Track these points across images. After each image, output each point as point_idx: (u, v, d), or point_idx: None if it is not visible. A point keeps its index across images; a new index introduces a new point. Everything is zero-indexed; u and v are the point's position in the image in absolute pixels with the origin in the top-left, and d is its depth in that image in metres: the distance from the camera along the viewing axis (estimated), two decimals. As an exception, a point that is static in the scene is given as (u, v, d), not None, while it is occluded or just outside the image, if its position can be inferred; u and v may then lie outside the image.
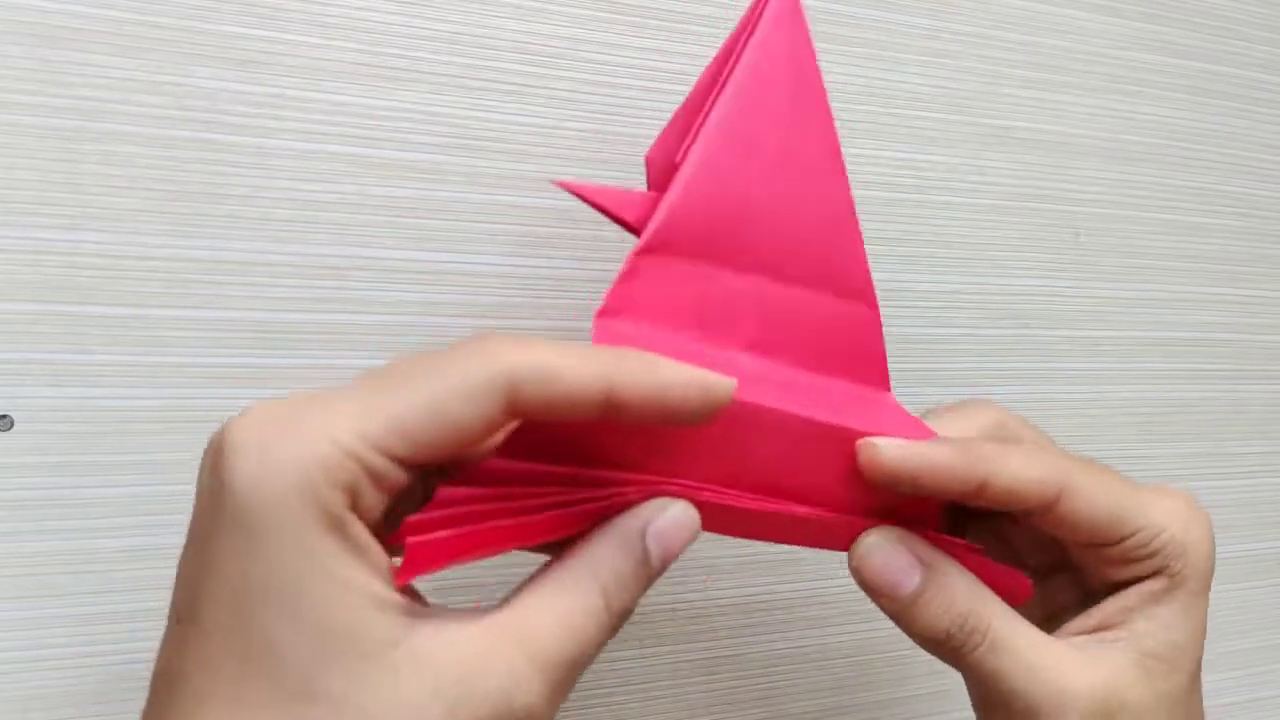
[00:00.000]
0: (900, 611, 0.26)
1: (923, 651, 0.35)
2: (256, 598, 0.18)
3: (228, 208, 0.29)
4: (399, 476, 0.19)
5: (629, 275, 0.24)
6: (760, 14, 0.27)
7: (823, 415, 0.25)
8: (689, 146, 0.26)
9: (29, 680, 0.27)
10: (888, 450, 0.25)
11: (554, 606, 0.20)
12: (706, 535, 0.35)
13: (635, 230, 0.25)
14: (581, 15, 0.33)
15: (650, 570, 0.22)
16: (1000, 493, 0.25)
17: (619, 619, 0.21)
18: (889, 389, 0.28)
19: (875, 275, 0.37)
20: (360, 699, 0.18)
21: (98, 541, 0.28)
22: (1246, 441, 0.45)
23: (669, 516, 0.22)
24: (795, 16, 0.27)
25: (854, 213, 0.28)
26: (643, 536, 0.22)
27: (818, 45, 0.37)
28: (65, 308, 0.28)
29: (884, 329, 0.29)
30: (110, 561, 0.28)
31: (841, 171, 0.27)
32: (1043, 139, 0.41)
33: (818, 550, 0.28)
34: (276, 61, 0.30)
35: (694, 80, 0.28)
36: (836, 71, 0.37)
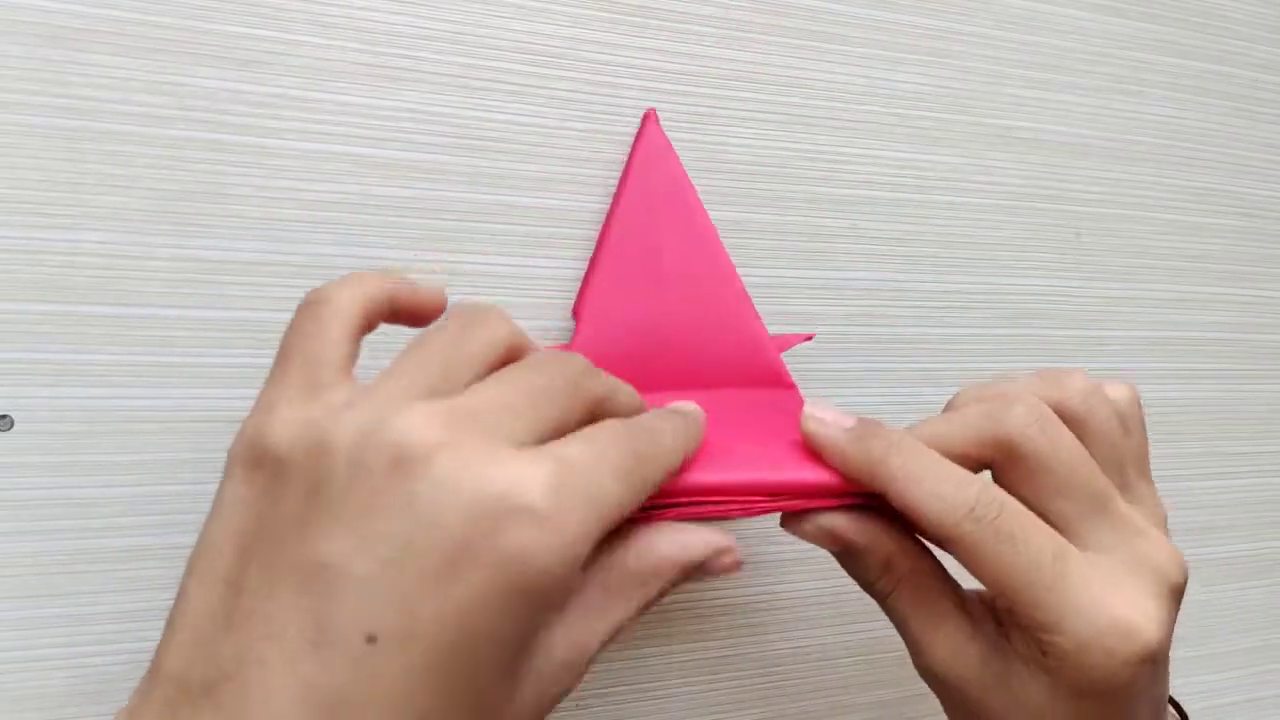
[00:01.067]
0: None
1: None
2: (496, 649, 0.19)
3: (229, 208, 0.29)
4: None
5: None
6: (631, 160, 0.32)
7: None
8: (580, 295, 0.31)
9: (28, 680, 0.27)
10: (806, 419, 0.27)
11: (610, 612, 0.23)
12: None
13: None
14: (582, 15, 0.33)
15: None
16: (898, 509, 0.25)
17: (645, 613, 0.24)
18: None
19: (878, 275, 0.37)
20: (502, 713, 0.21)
21: (98, 541, 0.28)
22: (1246, 441, 0.45)
23: (724, 561, 0.24)
24: (664, 151, 0.32)
25: (748, 304, 0.32)
26: (698, 568, 0.24)
27: (819, 45, 0.37)
28: (65, 308, 0.28)
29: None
30: (110, 561, 0.28)
31: (729, 273, 0.32)
32: (1045, 139, 0.41)
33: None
34: (278, 61, 0.30)
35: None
36: (837, 71, 0.37)
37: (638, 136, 0.33)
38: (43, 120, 0.28)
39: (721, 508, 0.26)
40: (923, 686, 0.39)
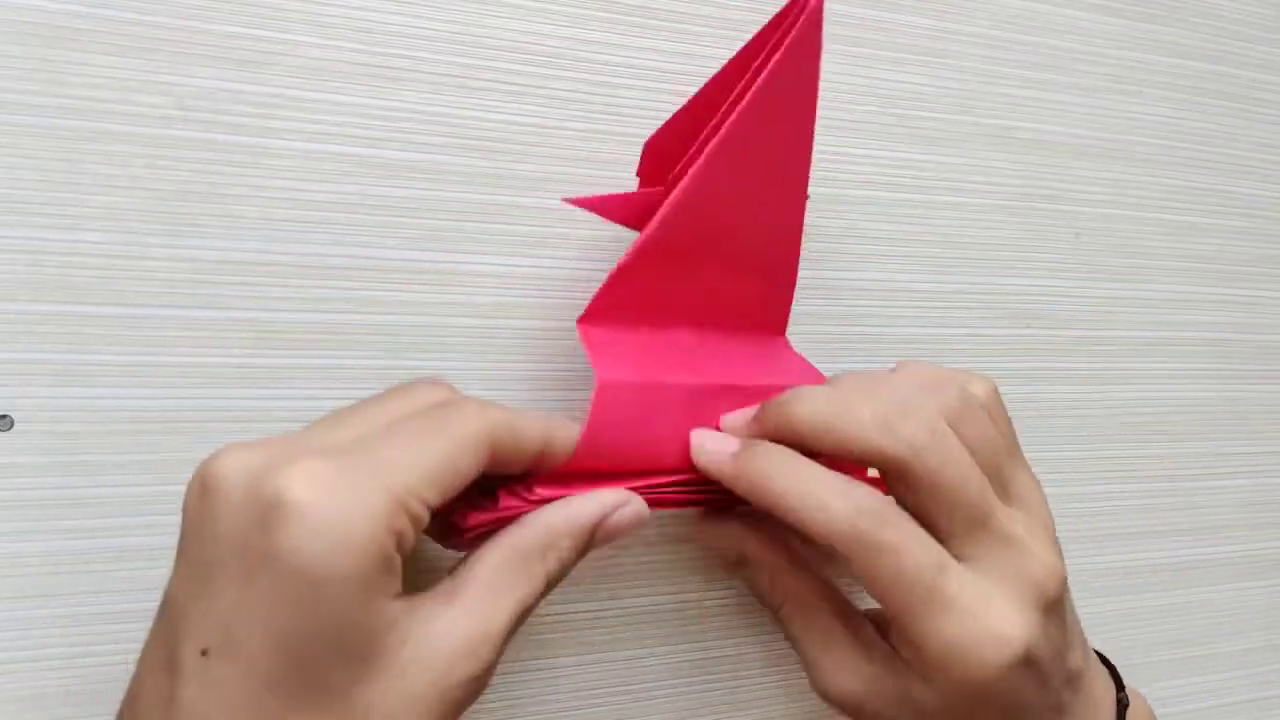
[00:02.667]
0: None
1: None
2: (314, 642, 0.20)
3: (228, 208, 0.29)
4: (426, 518, 0.22)
5: (614, 282, 0.28)
6: (788, 29, 0.28)
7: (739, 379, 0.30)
8: (690, 160, 0.28)
9: (28, 680, 0.27)
10: (693, 450, 0.29)
11: (508, 592, 0.24)
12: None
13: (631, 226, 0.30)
14: (581, 15, 0.33)
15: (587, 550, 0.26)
16: (790, 524, 0.26)
17: (552, 588, 0.25)
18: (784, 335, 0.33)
19: (877, 275, 0.37)
20: (380, 705, 0.21)
21: (98, 541, 0.28)
22: (1246, 441, 0.45)
23: (623, 513, 0.26)
24: (817, 37, 0.28)
25: (799, 244, 0.32)
26: (593, 531, 0.26)
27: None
28: (65, 308, 0.28)
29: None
30: (110, 561, 0.28)
31: (801, 205, 0.31)
32: (1044, 139, 0.41)
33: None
34: (277, 61, 0.30)
35: (704, 75, 0.29)
36: (837, 71, 0.37)
37: (797, 12, 0.28)
38: (41, 120, 0.28)
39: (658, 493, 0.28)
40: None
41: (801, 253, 0.36)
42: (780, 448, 0.27)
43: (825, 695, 0.29)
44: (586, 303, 0.28)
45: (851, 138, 0.37)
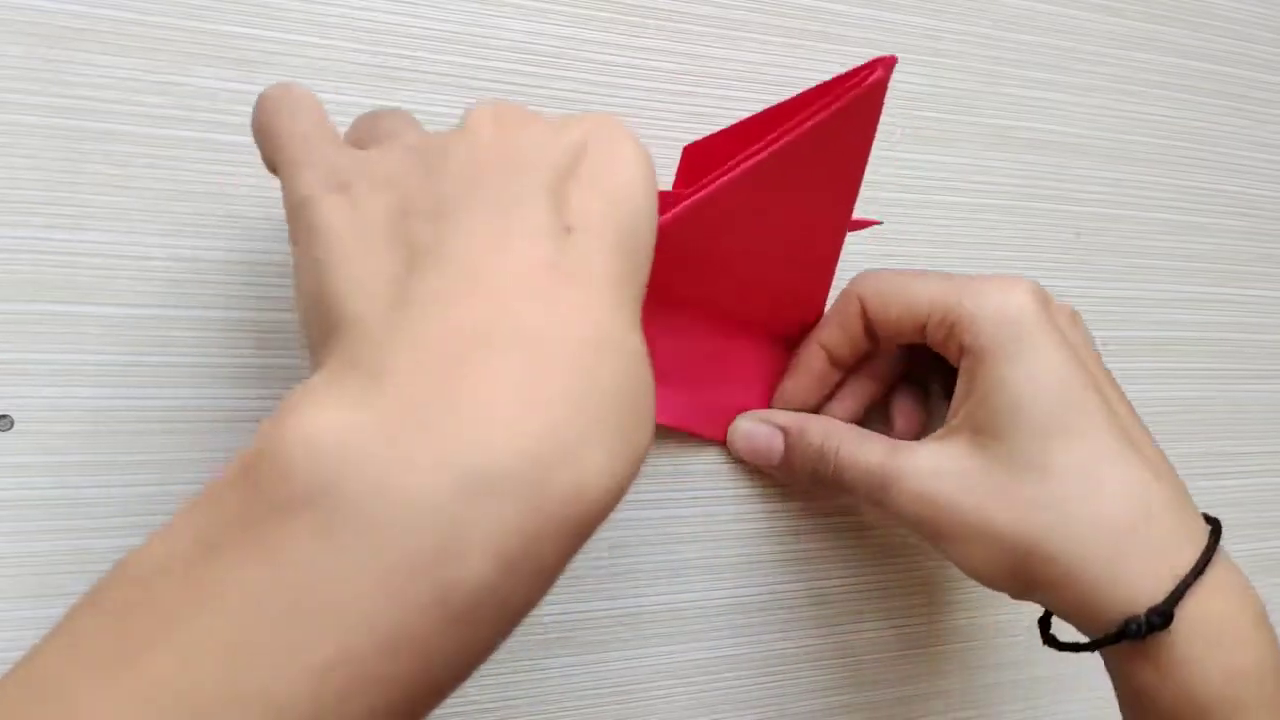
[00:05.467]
0: (778, 471, 0.34)
1: (923, 652, 0.35)
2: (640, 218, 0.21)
3: (229, 207, 0.29)
4: None
5: None
6: (849, 91, 0.28)
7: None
8: (720, 174, 0.29)
9: (29, 680, 0.27)
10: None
11: None
12: (708, 537, 0.35)
13: None
14: (581, 15, 0.33)
15: None
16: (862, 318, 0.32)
17: None
18: None
19: (876, 275, 0.37)
20: None
21: (98, 541, 0.28)
22: (1246, 441, 0.45)
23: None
24: (875, 109, 0.29)
25: (829, 284, 0.34)
26: None
27: (819, 45, 0.37)
28: (65, 308, 0.28)
29: None
30: (110, 561, 0.28)
31: (834, 250, 0.33)
32: (1044, 139, 0.41)
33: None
34: (278, 61, 0.30)
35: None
36: (836, 72, 0.37)
37: (862, 78, 0.28)
38: (42, 120, 0.28)
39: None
40: (923, 687, 0.40)
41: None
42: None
43: (910, 493, 0.30)
44: None
45: (852, 138, 0.37)
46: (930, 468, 0.30)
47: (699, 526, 0.34)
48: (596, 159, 0.21)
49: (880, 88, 0.28)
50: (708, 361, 0.34)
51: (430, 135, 0.23)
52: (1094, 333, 0.41)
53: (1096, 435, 0.28)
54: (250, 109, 0.24)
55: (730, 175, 0.28)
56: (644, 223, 0.20)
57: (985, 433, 0.29)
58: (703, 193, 0.28)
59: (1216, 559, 0.28)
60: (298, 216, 0.21)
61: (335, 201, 0.20)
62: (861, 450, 0.31)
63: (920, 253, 0.38)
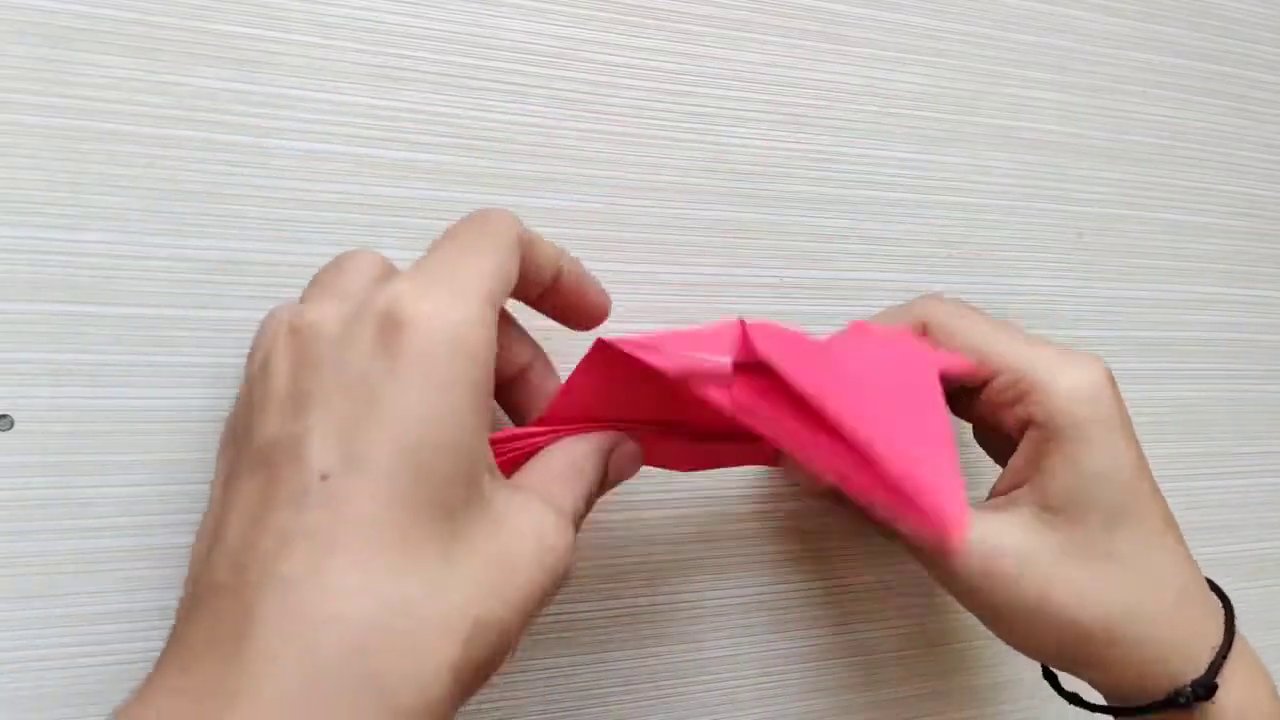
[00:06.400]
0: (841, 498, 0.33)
1: (923, 652, 0.35)
2: (439, 454, 0.21)
3: (229, 207, 0.29)
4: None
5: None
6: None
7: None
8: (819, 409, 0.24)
9: (28, 680, 0.27)
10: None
11: (573, 482, 0.25)
12: (708, 537, 0.35)
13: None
14: (581, 15, 0.33)
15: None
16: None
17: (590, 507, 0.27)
18: None
19: (877, 275, 0.37)
20: (486, 547, 0.21)
21: (98, 541, 0.28)
22: (1246, 441, 0.45)
23: (624, 448, 0.27)
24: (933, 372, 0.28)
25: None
26: (607, 457, 0.27)
27: (821, 46, 0.37)
28: (65, 308, 0.28)
29: None
30: (110, 561, 0.28)
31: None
32: (1045, 139, 0.41)
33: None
34: (278, 61, 0.30)
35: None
36: (836, 71, 0.37)
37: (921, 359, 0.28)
38: (43, 120, 0.28)
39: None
40: (923, 687, 0.39)
41: (802, 253, 0.36)
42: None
43: (975, 553, 0.29)
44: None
45: (851, 138, 0.37)
46: (994, 544, 0.29)
47: (699, 526, 0.34)
48: (384, 385, 0.21)
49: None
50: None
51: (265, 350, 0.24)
52: (1094, 332, 0.42)
53: (1151, 520, 0.29)
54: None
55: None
56: (435, 442, 0.21)
57: (1052, 511, 0.29)
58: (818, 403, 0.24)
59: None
60: None
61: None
62: None
63: (921, 253, 0.38)
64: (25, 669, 0.27)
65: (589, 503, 0.26)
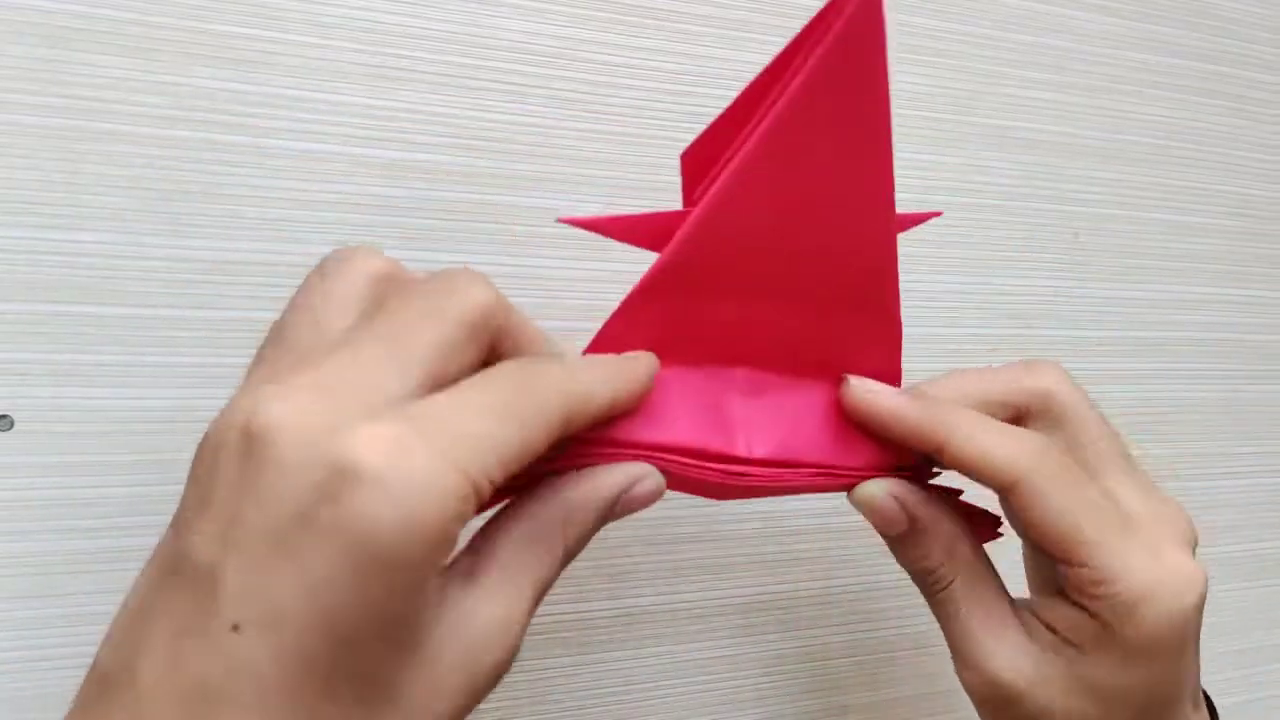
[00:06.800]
0: (890, 544, 0.27)
1: (924, 652, 0.35)
2: (363, 624, 0.18)
3: (227, 207, 0.29)
4: (487, 499, 0.20)
5: (623, 312, 0.25)
6: (832, 23, 0.23)
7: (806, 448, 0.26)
8: (716, 174, 0.24)
9: (29, 680, 0.27)
10: (856, 391, 0.26)
11: (527, 571, 0.22)
12: (708, 537, 0.35)
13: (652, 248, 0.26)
14: (581, 15, 0.33)
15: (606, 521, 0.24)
16: (956, 461, 0.25)
17: (570, 560, 0.24)
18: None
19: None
20: (409, 693, 0.20)
21: (98, 541, 0.28)
22: (1246, 441, 0.45)
23: (644, 486, 0.24)
24: (875, 29, 0.23)
25: (894, 255, 0.26)
26: (614, 503, 0.24)
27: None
28: (65, 308, 0.28)
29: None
30: (110, 561, 0.28)
31: (887, 211, 0.26)
32: (1043, 139, 0.41)
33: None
34: (276, 61, 0.30)
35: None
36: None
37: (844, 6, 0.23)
38: (40, 120, 0.28)
39: (761, 480, 0.25)
40: (923, 687, 0.39)
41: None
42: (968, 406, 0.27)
43: (985, 678, 0.27)
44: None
45: (851, 138, 0.37)
46: (1019, 684, 0.26)
47: (699, 526, 0.34)
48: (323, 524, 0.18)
49: (871, 7, 0.23)
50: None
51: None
52: (1094, 333, 0.42)
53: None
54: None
55: (732, 167, 0.24)
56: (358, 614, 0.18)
57: (1092, 691, 0.26)
58: (712, 194, 0.24)
59: None
60: None
61: None
62: (969, 602, 0.27)
63: (921, 253, 0.38)
64: (27, 669, 0.27)
65: (566, 559, 0.23)
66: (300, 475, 0.18)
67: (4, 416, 0.27)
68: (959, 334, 0.39)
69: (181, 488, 0.22)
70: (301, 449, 0.18)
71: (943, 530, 0.27)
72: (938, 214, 0.29)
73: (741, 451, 0.25)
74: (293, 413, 0.18)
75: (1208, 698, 0.31)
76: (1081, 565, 0.25)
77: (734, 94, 0.29)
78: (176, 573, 0.19)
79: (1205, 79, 0.44)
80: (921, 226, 0.39)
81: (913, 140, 0.38)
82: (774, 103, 0.24)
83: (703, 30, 0.35)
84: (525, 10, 0.33)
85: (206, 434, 0.19)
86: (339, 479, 0.18)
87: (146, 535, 0.28)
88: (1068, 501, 0.25)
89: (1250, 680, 0.44)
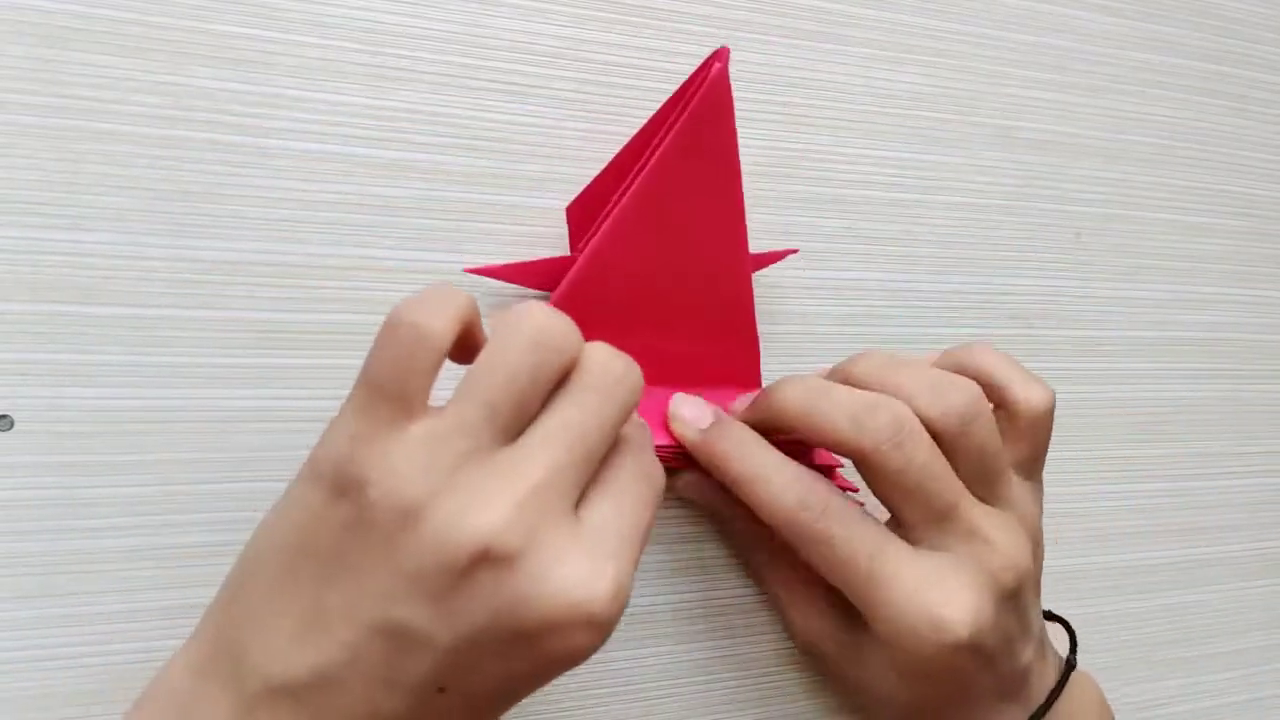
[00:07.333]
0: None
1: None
2: (531, 682, 0.23)
3: (227, 207, 0.29)
4: None
5: None
6: (693, 95, 0.28)
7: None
8: (600, 224, 0.29)
9: (29, 680, 0.27)
10: (670, 416, 0.31)
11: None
12: (708, 537, 0.35)
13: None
14: (581, 15, 0.33)
15: None
16: (734, 490, 0.29)
17: None
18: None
19: (877, 275, 0.37)
20: None
21: (98, 541, 0.28)
22: (1246, 441, 0.45)
23: None
24: (724, 101, 0.29)
25: (749, 288, 0.32)
26: None
27: (819, 45, 0.37)
28: (65, 308, 0.28)
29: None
30: (110, 561, 0.28)
31: (742, 251, 0.31)
32: (1044, 139, 0.41)
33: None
34: (276, 61, 0.30)
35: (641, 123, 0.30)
36: (836, 71, 0.37)
37: (703, 77, 0.28)
38: (40, 120, 0.28)
39: None
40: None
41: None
42: (746, 431, 0.29)
43: (794, 641, 0.33)
44: None
45: (851, 138, 0.37)
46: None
47: (699, 526, 0.34)
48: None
49: (720, 81, 0.28)
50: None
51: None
52: (1094, 333, 0.42)
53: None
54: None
55: (611, 219, 0.29)
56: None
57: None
58: (594, 242, 0.29)
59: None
60: None
61: None
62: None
63: (921, 253, 0.38)
64: (28, 669, 0.27)
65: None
66: (541, 605, 0.21)
67: (4, 416, 0.27)
68: (958, 334, 0.39)
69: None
70: (541, 582, 0.21)
71: (740, 513, 0.31)
72: (794, 251, 0.35)
73: None
74: (525, 544, 0.21)
75: (1069, 629, 0.33)
76: (857, 601, 0.28)
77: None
78: (381, 627, 0.21)
79: (1208, 79, 0.44)
80: (922, 227, 0.39)
81: (914, 141, 0.38)
82: (645, 165, 0.29)
83: (703, 30, 0.35)
84: (525, 10, 0.33)
85: (422, 515, 0.21)
86: (574, 619, 0.21)
87: (146, 535, 0.28)
88: (817, 557, 0.28)
89: (1250, 680, 0.44)
